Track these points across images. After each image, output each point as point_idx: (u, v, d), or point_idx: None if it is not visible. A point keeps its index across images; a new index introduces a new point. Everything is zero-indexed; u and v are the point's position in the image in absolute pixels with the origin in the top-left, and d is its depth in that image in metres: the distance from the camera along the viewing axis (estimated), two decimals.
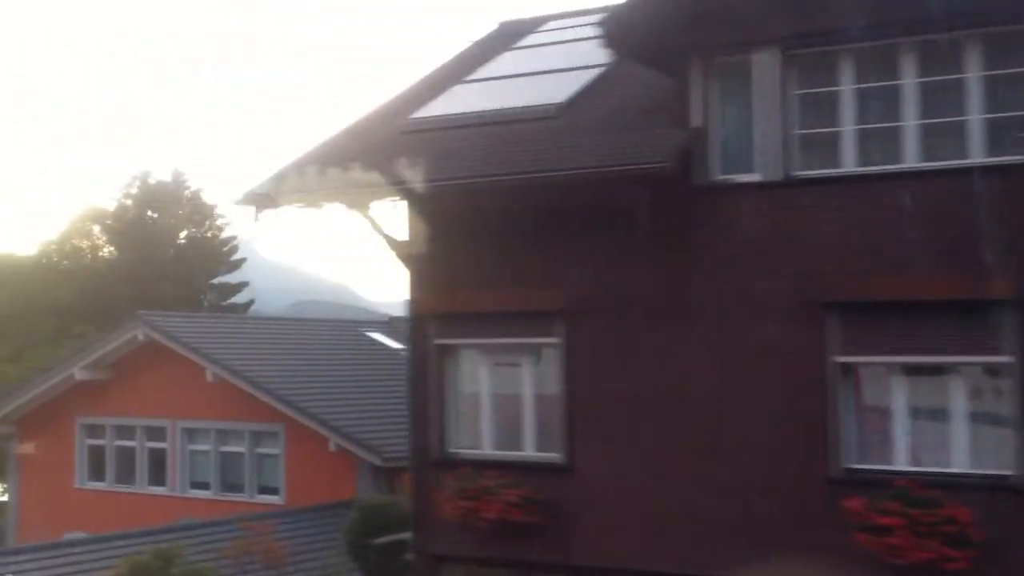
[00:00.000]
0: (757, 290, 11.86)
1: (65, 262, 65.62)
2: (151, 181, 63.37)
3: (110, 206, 64.57)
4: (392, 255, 13.41)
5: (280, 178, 13.20)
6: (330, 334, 33.51)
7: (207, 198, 64.52)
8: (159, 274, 62.76)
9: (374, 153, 13.17)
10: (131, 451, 30.78)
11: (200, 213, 64.07)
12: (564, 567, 12.93)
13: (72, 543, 22.56)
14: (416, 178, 12.41)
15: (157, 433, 30.25)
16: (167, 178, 64.04)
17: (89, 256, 65.97)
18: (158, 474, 30.29)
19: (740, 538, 12.14)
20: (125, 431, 30.86)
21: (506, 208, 12.85)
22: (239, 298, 65.10)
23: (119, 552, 21.35)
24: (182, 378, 29.50)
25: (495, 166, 12.36)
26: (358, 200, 13.04)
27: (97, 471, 31.47)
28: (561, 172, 11.87)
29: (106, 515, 30.63)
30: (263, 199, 13.07)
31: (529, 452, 13.35)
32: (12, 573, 19.20)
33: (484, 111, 13.59)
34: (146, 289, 61.26)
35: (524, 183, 12.15)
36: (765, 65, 11.83)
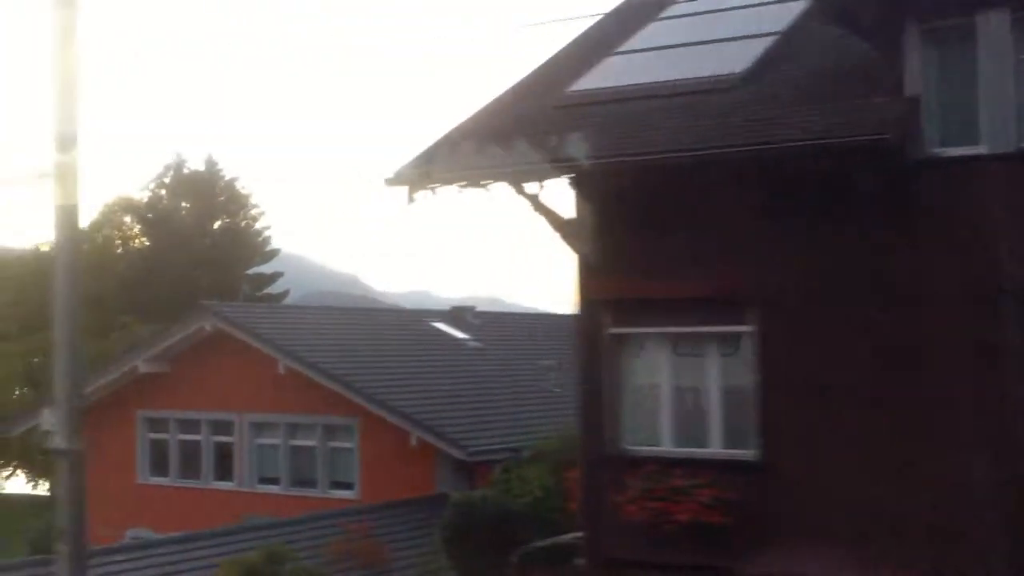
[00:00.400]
0: (985, 274, 10.83)
1: (96, 252, 64.68)
2: (185, 170, 62.31)
3: (142, 196, 63.67)
4: (557, 237, 12.38)
5: (431, 157, 12.18)
6: (396, 324, 32.54)
7: (241, 187, 63.54)
8: (193, 264, 61.84)
9: (532, 129, 12.16)
10: (195, 445, 29.86)
11: (235, 202, 63.04)
12: None
13: (162, 542, 21.55)
14: (590, 155, 11.40)
15: (223, 427, 29.31)
16: (200, 167, 62.98)
17: (120, 247, 64.97)
18: (224, 469, 29.36)
19: (962, 544, 11.09)
20: (189, 425, 29.93)
21: (689, 186, 11.83)
22: (272, 289, 64.12)
23: (211, 552, 20.43)
24: (250, 370, 28.57)
25: (678, 141, 11.34)
26: (518, 179, 12.01)
27: (160, 466, 30.54)
28: (767, 146, 10.85)
29: (170, 511, 29.74)
30: (417, 178, 12.04)
31: (716, 449, 12.29)
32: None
33: (657, 82, 12.55)
34: (181, 280, 60.37)
35: (715, 158, 11.13)
36: (993, 27, 10.81)
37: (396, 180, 12.21)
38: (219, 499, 29.24)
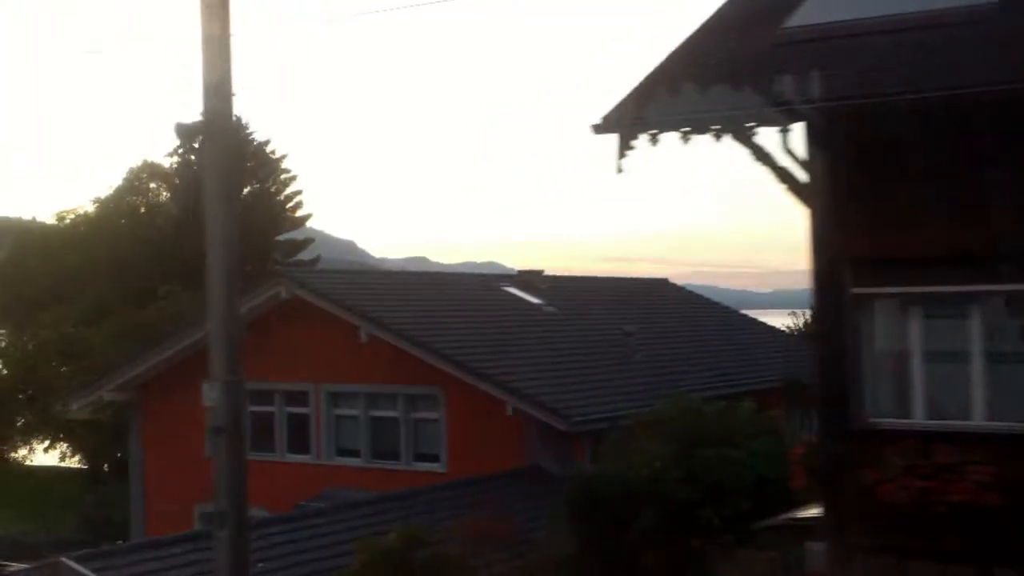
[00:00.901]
0: None
1: (123, 220, 63.47)
2: None
3: (167, 161, 62.40)
4: (785, 189, 11.22)
5: (644, 101, 11.00)
6: (469, 290, 31.42)
7: (271, 151, 62.18)
8: None
9: (756, 68, 10.97)
10: (268, 417, 28.81)
11: (265, 167, 61.74)
12: None
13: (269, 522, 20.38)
14: (830, 96, 10.24)
15: (298, 398, 28.26)
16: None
17: (146, 213, 63.77)
18: (299, 441, 28.33)
19: None
20: (261, 396, 28.81)
21: (942, 129, 10.64)
22: (303, 255, 62.91)
23: (325, 530, 19.39)
24: (328, 338, 27.53)
25: (931, 79, 10.18)
26: (745, 123, 10.84)
27: None
28: None
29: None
30: (631, 125, 10.86)
31: (979, 421, 11.11)
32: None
33: (898, 14, 11.28)
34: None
35: (974, 98, 9.96)
36: None
37: (606, 127, 11.06)
38: (294, 472, 28.24)
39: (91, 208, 63.78)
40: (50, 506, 44.96)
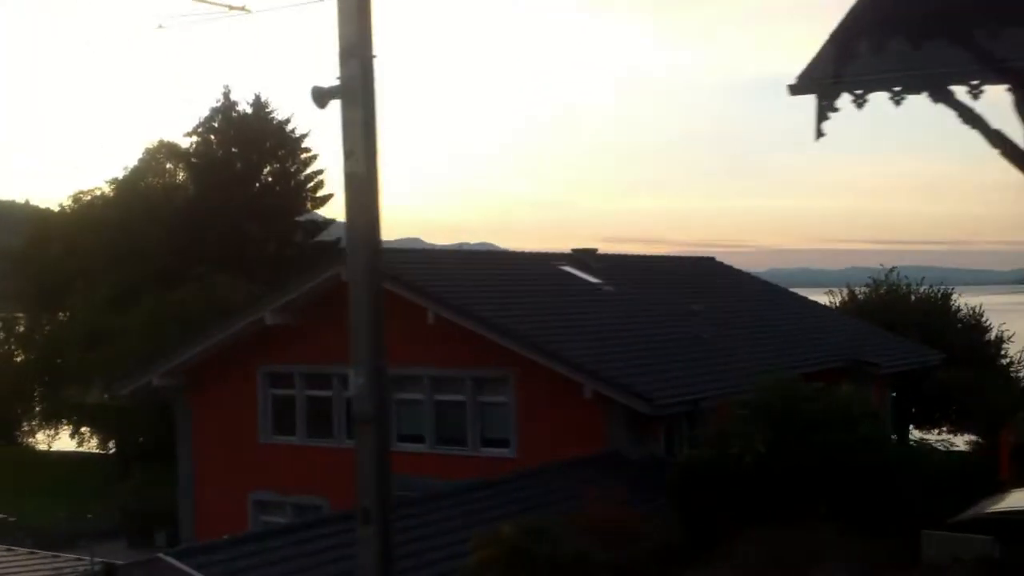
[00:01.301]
0: None
1: (140, 201, 62.33)
2: (234, 113, 59.83)
3: (185, 141, 61.32)
4: (1000, 154, 10.23)
5: (843, 56, 10.00)
6: (528, 268, 30.49)
7: (291, 129, 61.02)
8: (244, 212, 59.61)
9: (974, 20, 9.97)
10: (325, 401, 27.90)
11: (285, 145, 60.62)
12: None
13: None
14: None
15: None
16: (248, 108, 60.48)
17: (164, 194, 62.66)
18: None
19: None
20: (318, 380, 27.96)
21: None
22: (324, 236, 61.81)
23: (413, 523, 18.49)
24: (389, 320, 26.44)
25: None
26: (941, 82, 9.87)
27: (284, 424, 28.57)
28: None
29: (297, 471, 27.90)
30: (833, 84, 9.88)
31: None
32: None
33: None
34: (231, 229, 58.19)
35: None
36: None
37: (803, 87, 10.10)
38: (353, 458, 27.23)
39: (107, 189, 62.63)
40: (78, 493, 44.11)
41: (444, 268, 27.90)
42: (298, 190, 60.65)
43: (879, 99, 10.06)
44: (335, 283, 26.61)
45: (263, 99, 60.59)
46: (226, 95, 59.87)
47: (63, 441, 62.06)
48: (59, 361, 45.46)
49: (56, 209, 63.39)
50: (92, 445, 59.77)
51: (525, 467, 23.35)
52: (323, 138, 67.70)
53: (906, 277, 52.21)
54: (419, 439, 26.56)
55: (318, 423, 27.98)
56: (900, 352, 34.50)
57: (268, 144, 60.10)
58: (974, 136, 10.23)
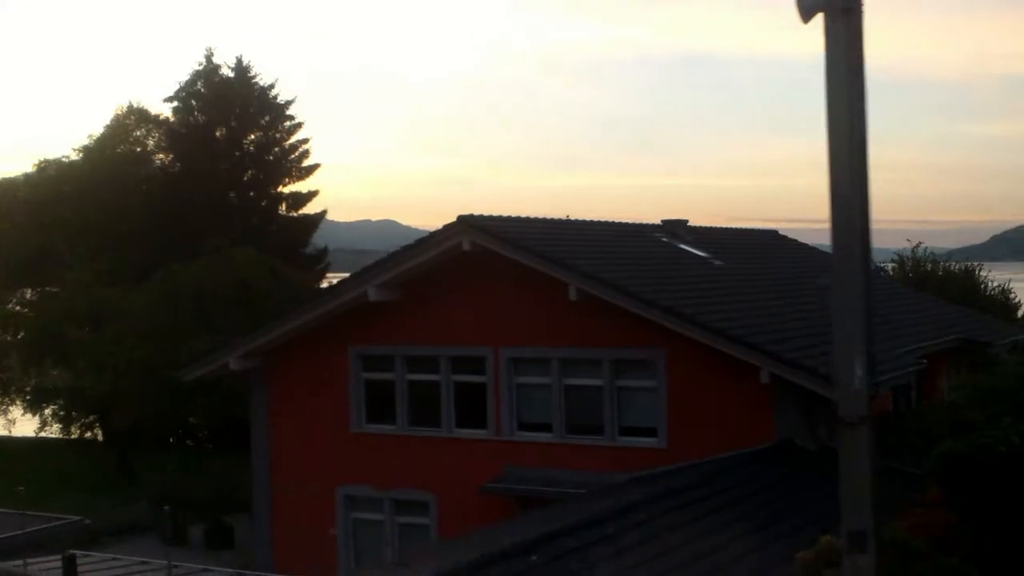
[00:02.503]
0: None
1: (111, 169, 58.45)
2: (217, 78, 56.28)
3: (160, 106, 57.59)
4: None
5: None
6: (635, 240, 28.07)
7: (274, 95, 57.62)
8: (225, 182, 56.23)
9: None
10: (430, 387, 25.26)
11: (268, 112, 57.22)
12: None
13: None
14: None
15: (470, 364, 24.73)
16: (229, 72, 56.97)
17: (136, 162, 58.87)
18: (469, 414, 24.81)
19: None
20: (422, 362, 25.32)
21: None
22: (308, 208, 58.50)
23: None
24: (512, 296, 24.06)
25: None
26: None
27: (380, 411, 25.85)
28: None
29: (393, 464, 25.32)
30: None
31: None
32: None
33: None
34: (210, 200, 54.80)
35: None
36: None
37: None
38: (465, 450, 24.79)
39: (75, 156, 58.56)
40: (85, 484, 40.57)
41: (565, 239, 25.28)
42: (282, 159, 57.35)
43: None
44: (455, 254, 24.00)
45: (245, 63, 57.16)
46: (208, 57, 56.37)
47: (21, 426, 58.45)
48: (55, 340, 41.61)
49: (19, 178, 58.87)
50: (53, 430, 56.28)
51: (688, 460, 20.99)
52: (309, 106, 64.18)
53: (932, 253, 50.99)
54: (543, 428, 24.09)
55: (421, 410, 25.32)
56: (991, 329, 32.90)
57: (251, 110, 56.75)
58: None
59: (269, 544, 26.75)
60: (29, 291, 57.41)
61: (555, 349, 23.70)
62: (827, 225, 8.94)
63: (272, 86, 57.18)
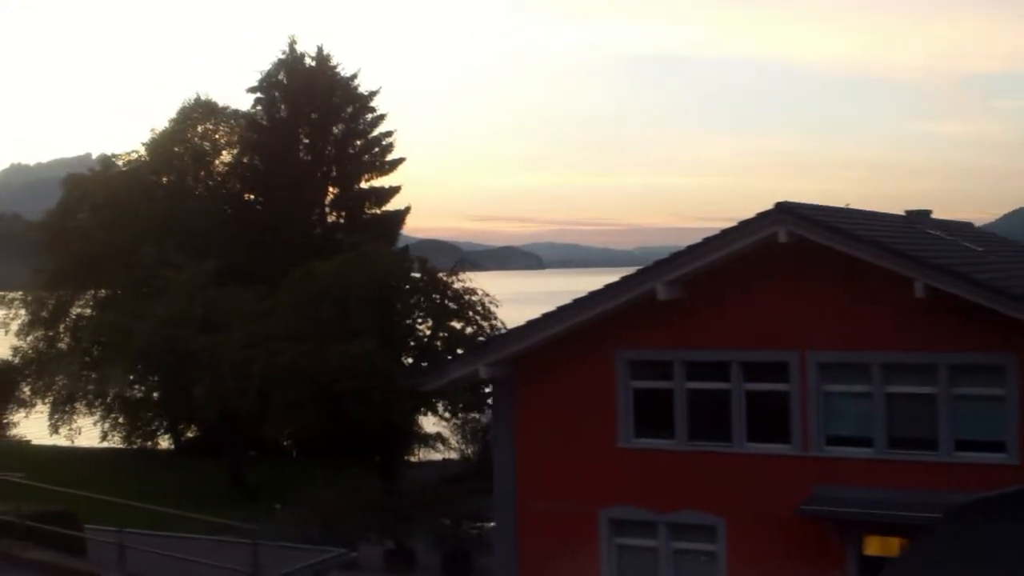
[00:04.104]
0: None
1: (180, 165, 55.47)
2: (299, 67, 53.31)
3: (228, 99, 54.63)
4: None
5: None
6: (911, 234, 25.41)
7: (356, 84, 54.75)
8: (308, 177, 53.23)
9: None
10: (716, 396, 22.50)
11: (351, 103, 54.31)
12: None
13: None
14: None
15: (769, 370, 22.01)
16: (311, 62, 54.06)
17: (202, 158, 55.85)
18: (768, 427, 22.08)
19: None
20: (706, 368, 22.59)
21: None
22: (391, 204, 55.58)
23: None
24: (827, 295, 21.38)
25: None
26: None
27: (653, 424, 23.06)
28: None
29: (674, 483, 22.59)
30: None
31: None
32: None
33: None
34: (296, 194, 51.91)
35: None
36: None
37: None
38: (759, 467, 22.08)
39: (143, 152, 55.41)
40: (223, 496, 37.25)
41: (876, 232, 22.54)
42: (365, 153, 54.43)
43: None
44: (766, 246, 21.25)
45: (326, 52, 54.22)
46: (291, 46, 53.37)
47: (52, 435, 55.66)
48: (170, 346, 38.44)
49: (87, 174, 55.60)
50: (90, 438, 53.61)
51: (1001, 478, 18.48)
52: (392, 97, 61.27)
53: None
54: (860, 442, 21.41)
55: (705, 423, 22.56)
56: None
57: (334, 101, 53.81)
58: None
59: (513, 572, 23.91)
60: (92, 292, 54.34)
61: (876, 353, 21.04)
62: None
63: (355, 76, 54.33)
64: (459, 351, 37.76)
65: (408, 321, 37.59)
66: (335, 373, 33.31)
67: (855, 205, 25.51)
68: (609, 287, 22.57)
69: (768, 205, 20.75)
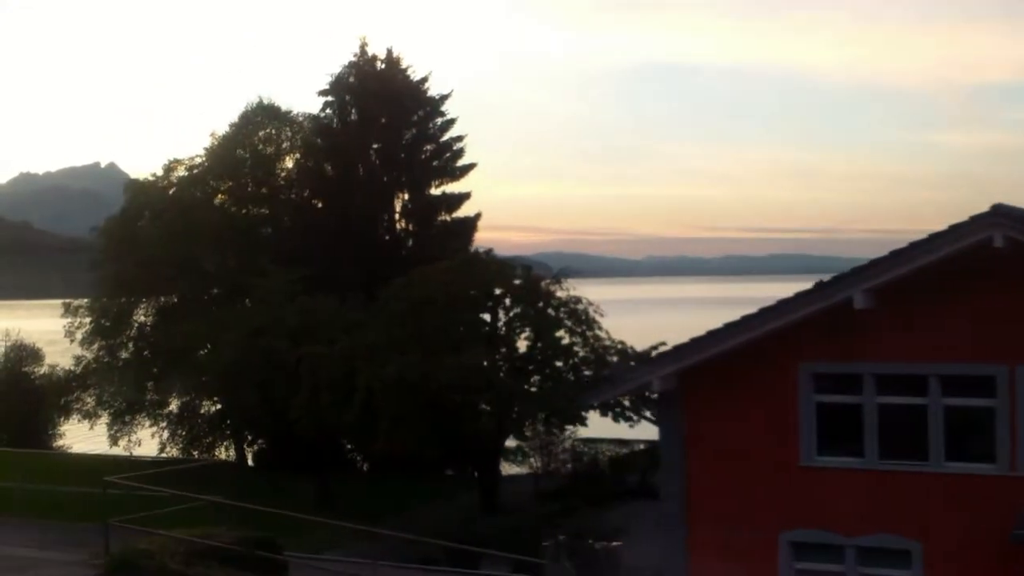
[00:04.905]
0: None
1: (240, 169, 54.16)
2: (369, 70, 51.95)
3: (319, 101, 53.05)
4: None
5: None
6: None
7: (426, 87, 53.40)
8: (379, 183, 51.89)
9: None
10: (911, 412, 21.02)
11: (421, 107, 52.96)
12: None
13: None
14: None
15: (972, 385, 20.54)
16: (381, 65, 52.72)
17: (266, 162, 54.54)
18: (972, 446, 20.62)
19: None
20: (899, 382, 21.12)
21: None
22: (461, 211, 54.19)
23: None
24: None
25: None
26: None
27: (838, 441, 21.60)
28: None
29: (863, 504, 21.15)
30: None
31: None
32: None
33: None
34: (369, 200, 50.58)
35: None
36: None
37: None
38: (960, 488, 20.61)
39: (204, 157, 54.12)
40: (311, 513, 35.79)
41: None
42: (435, 159, 53.07)
43: None
44: (966, 253, 19.82)
45: (395, 55, 52.89)
46: (362, 48, 52.02)
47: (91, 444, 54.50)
48: (265, 357, 36.98)
49: (150, 180, 54.23)
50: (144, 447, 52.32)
51: None
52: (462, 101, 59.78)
53: None
54: None
55: (898, 440, 21.11)
56: None
57: (405, 105, 52.46)
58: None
59: None
60: (153, 301, 53.03)
61: None
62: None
63: (425, 79, 52.94)
64: (559, 363, 36.48)
65: (504, 331, 36.11)
66: (446, 385, 31.93)
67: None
68: (800, 295, 21.14)
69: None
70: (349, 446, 47.07)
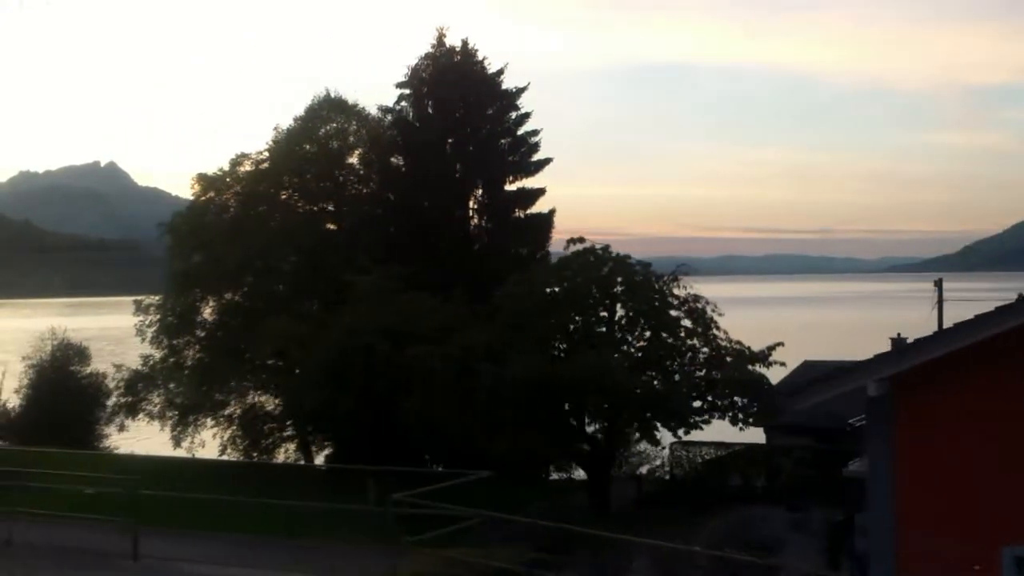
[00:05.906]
0: None
1: (307, 164, 52.57)
2: (447, 61, 50.38)
3: (394, 94, 51.49)
4: None
5: None
6: None
7: (501, 79, 51.79)
8: (454, 177, 50.32)
9: None
10: None
11: (496, 100, 51.37)
12: None
13: None
14: None
15: None
16: (458, 57, 51.17)
17: (334, 157, 52.94)
18: None
19: None
20: None
21: None
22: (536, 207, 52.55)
23: None
24: None
25: None
26: None
27: None
28: None
29: None
30: None
31: None
32: None
33: None
34: (444, 196, 49.05)
35: None
36: None
37: None
38: None
39: (266, 151, 52.51)
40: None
41: None
42: (511, 154, 51.46)
43: None
44: None
45: (471, 46, 51.33)
46: (439, 39, 50.46)
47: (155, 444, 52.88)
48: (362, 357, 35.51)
49: (217, 175, 52.61)
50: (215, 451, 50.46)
51: None
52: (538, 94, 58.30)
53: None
54: None
55: None
56: None
57: (481, 99, 50.90)
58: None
59: None
60: (215, 298, 51.46)
61: None
62: None
63: (501, 72, 51.38)
64: (670, 363, 35.03)
65: (621, 330, 34.62)
66: (571, 387, 30.49)
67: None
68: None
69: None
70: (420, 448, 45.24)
